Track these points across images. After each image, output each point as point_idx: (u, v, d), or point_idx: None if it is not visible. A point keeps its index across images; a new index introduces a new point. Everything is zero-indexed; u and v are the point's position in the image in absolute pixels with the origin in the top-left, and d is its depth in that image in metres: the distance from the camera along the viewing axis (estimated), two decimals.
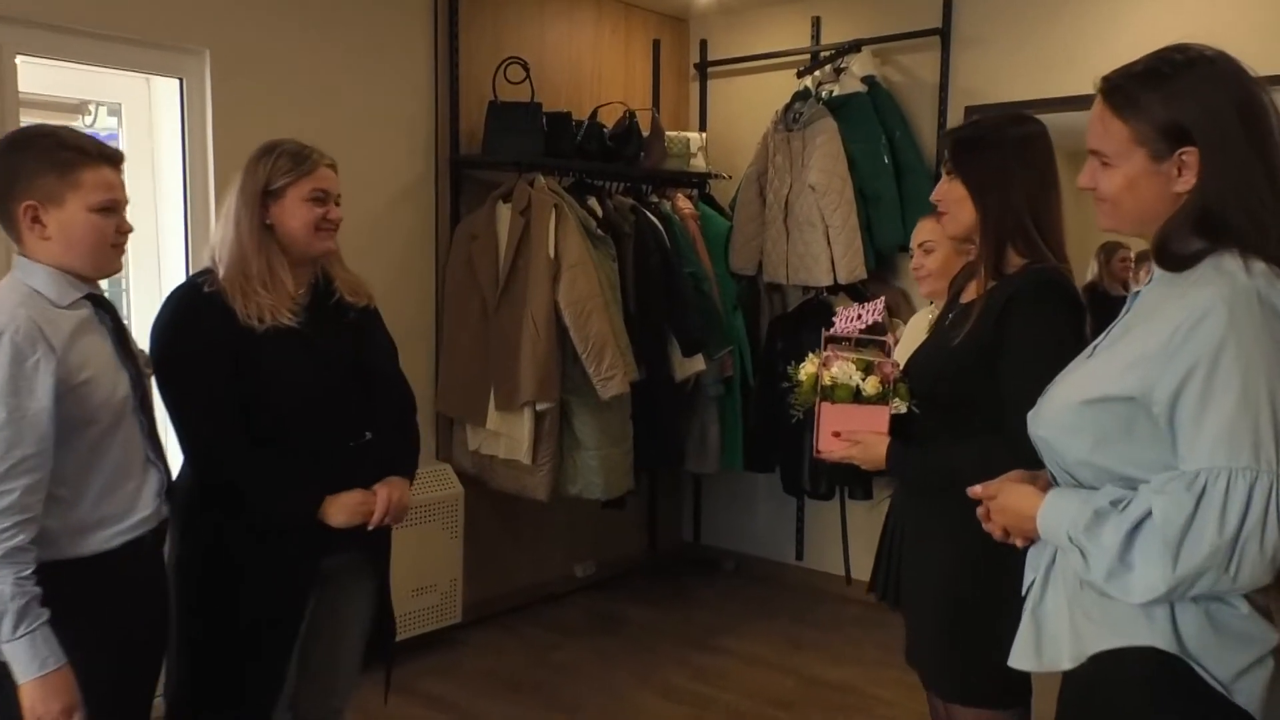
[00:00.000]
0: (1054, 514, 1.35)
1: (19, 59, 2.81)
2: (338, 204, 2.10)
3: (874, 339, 1.96)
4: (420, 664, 3.58)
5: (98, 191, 1.76)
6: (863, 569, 4.07)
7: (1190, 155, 1.27)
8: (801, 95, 4.02)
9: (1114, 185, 1.34)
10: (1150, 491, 1.24)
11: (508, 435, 3.61)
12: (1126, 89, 1.32)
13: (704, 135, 4.36)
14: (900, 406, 1.88)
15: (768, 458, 4.15)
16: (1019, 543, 1.45)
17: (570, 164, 3.80)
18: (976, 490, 1.50)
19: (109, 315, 1.85)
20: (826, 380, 1.89)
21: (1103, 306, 3.05)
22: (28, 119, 2.88)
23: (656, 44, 4.59)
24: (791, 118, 3.97)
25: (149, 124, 3.29)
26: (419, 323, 3.78)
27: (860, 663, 3.71)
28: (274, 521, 2.04)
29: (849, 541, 4.27)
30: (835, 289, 3.93)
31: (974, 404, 1.80)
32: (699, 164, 4.28)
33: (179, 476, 2.06)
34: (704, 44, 4.72)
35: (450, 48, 3.75)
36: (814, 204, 3.81)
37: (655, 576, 4.66)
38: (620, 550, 4.67)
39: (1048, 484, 1.44)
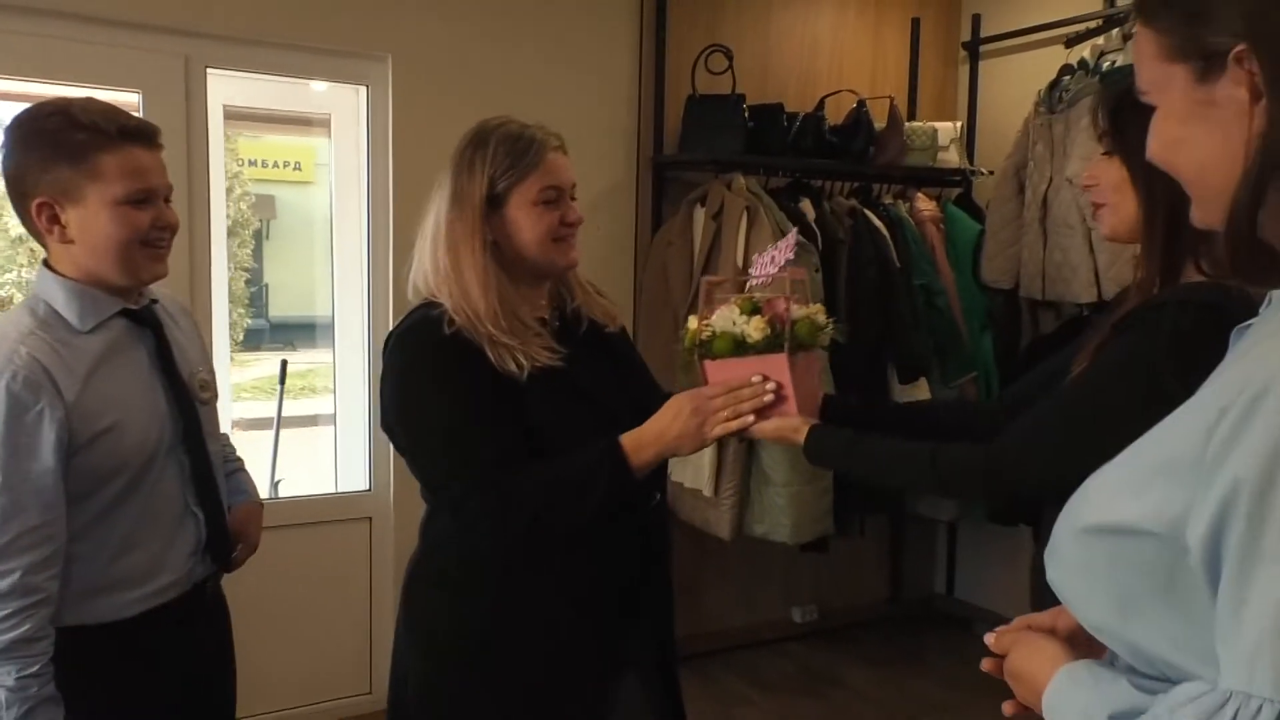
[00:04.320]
0: (1060, 706, 0.81)
1: (212, 72, 2.94)
2: (574, 197, 1.61)
3: (793, 279, 1.52)
4: None
5: (124, 180, 1.43)
6: None
7: (1250, 59, 0.70)
8: (1070, 69, 3.28)
9: (1161, 137, 0.78)
10: (1155, 716, 0.70)
11: (693, 462, 3.27)
12: None
13: (958, 126, 3.72)
14: (813, 343, 1.47)
15: (1016, 506, 3.43)
16: None
17: (778, 162, 3.37)
18: (989, 639, 0.97)
19: (151, 332, 1.56)
20: (705, 333, 1.47)
21: None
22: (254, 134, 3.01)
23: (916, 23, 4.01)
24: (1055, 98, 3.24)
25: (356, 135, 3.34)
26: None
27: None
28: (605, 502, 1.51)
29: None
30: (1101, 306, 3.14)
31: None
32: (949, 158, 3.66)
33: (415, 558, 1.67)
34: (977, 19, 4.05)
35: (657, 39, 3.47)
36: (1073, 202, 3.07)
37: (890, 634, 4.06)
38: (852, 597, 4.13)
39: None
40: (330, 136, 3.38)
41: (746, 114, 3.31)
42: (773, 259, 1.48)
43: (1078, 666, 0.82)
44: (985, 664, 0.96)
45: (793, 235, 1.52)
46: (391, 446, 3.33)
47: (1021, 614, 3.51)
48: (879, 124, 3.54)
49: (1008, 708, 0.93)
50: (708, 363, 1.48)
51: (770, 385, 1.45)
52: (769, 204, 3.21)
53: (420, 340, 1.55)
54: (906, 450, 1.43)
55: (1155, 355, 1.19)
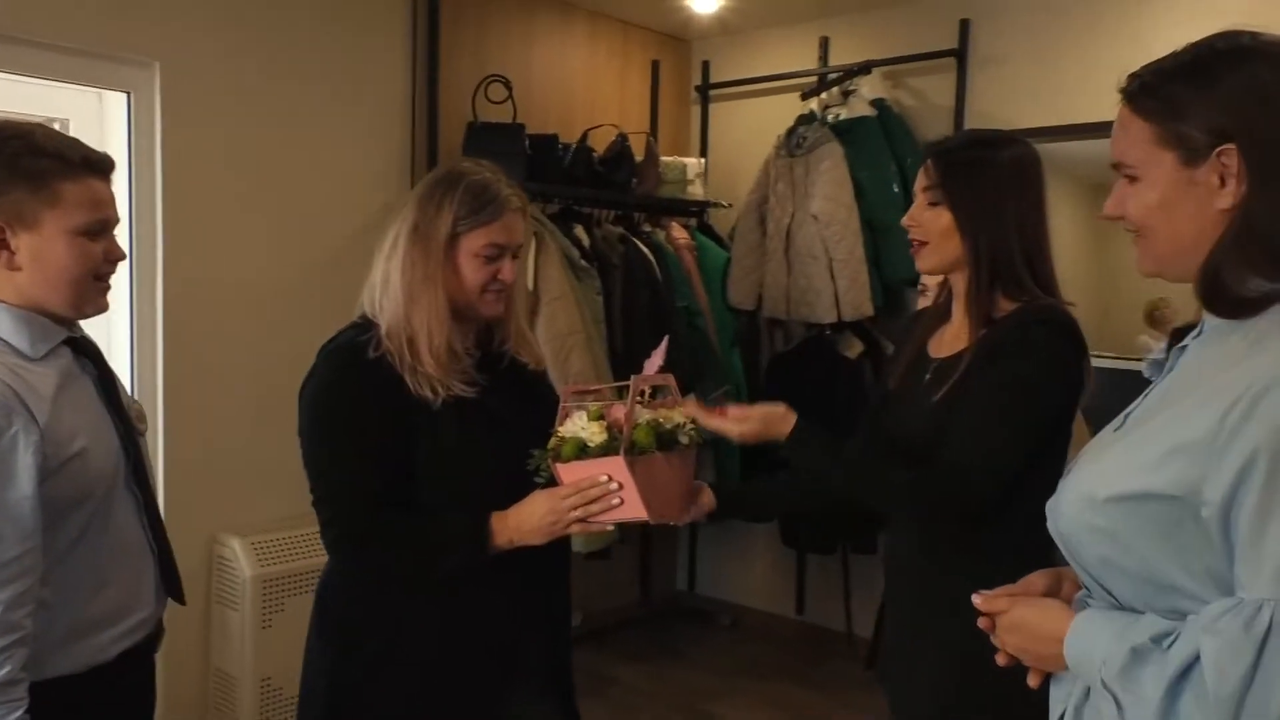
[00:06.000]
0: (1084, 644, 1.04)
1: None
2: (516, 256, 1.69)
3: (659, 385, 1.68)
4: None
5: (83, 209, 1.41)
6: (866, 625, 3.78)
7: (1231, 156, 0.99)
8: (806, 119, 3.76)
9: (1143, 204, 1.06)
10: (1199, 629, 0.94)
11: None
12: (1152, 85, 1.05)
13: (702, 161, 4.10)
14: (650, 446, 1.55)
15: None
16: (1032, 679, 1.14)
17: (556, 190, 3.55)
18: (978, 600, 1.19)
19: (91, 361, 1.51)
20: (556, 439, 1.60)
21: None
22: None
23: (655, 65, 4.36)
24: (795, 143, 3.71)
25: (99, 142, 3.06)
26: None
27: None
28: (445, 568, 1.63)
29: (851, 596, 3.97)
30: (840, 326, 3.64)
31: None
32: (696, 191, 4.02)
33: (328, 564, 1.71)
34: (706, 65, 4.48)
35: (430, 65, 3.51)
36: (817, 235, 3.54)
37: (647, 631, 4.36)
38: (610, 601, 4.37)
39: (1075, 587, 1.15)
40: None
41: (527, 143, 3.45)
42: (655, 361, 1.62)
43: (1091, 612, 1.07)
44: (981, 622, 1.18)
45: (664, 342, 1.66)
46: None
47: (754, 603, 4.09)
48: (639, 157, 3.82)
49: (1001, 659, 1.16)
50: (558, 465, 1.58)
51: (614, 485, 1.56)
52: (553, 230, 3.38)
53: (343, 363, 1.64)
54: (890, 478, 1.56)
55: (1058, 362, 1.51)
